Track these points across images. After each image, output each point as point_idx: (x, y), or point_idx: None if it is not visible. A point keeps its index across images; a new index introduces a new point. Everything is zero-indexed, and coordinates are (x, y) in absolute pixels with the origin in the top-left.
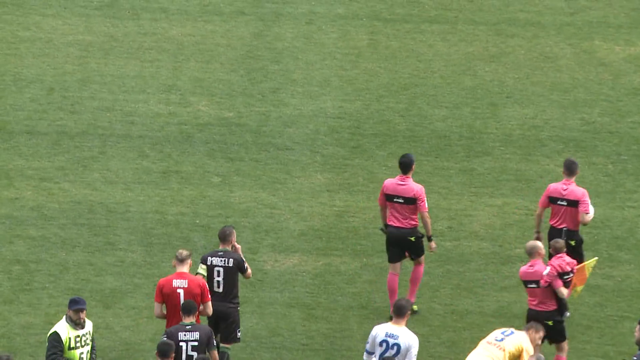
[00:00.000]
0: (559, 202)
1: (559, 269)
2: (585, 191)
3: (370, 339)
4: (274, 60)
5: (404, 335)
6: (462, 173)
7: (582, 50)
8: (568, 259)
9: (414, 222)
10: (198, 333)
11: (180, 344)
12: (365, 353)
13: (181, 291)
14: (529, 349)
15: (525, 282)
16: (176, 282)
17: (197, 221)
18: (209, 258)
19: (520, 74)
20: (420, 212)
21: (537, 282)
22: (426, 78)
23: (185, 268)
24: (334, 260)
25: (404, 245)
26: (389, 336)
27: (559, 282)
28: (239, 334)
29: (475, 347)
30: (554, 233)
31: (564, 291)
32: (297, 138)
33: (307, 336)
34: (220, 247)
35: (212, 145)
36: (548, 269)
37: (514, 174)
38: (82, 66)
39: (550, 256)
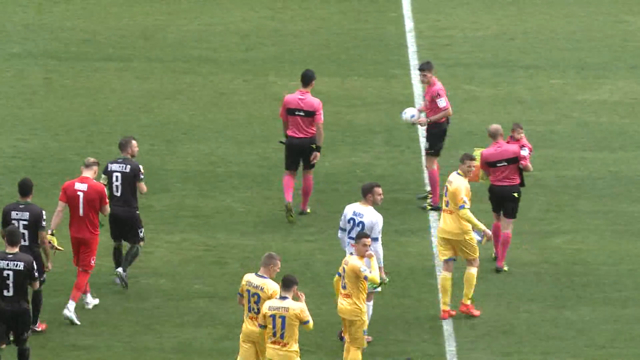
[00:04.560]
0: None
1: (529, 149)
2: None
3: (342, 217)
4: None
5: (369, 214)
6: (142, 210)
7: (257, 86)
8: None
9: (312, 132)
10: (28, 213)
11: (13, 221)
12: (339, 230)
13: (81, 194)
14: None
15: (494, 162)
16: (77, 185)
17: None
18: (109, 165)
19: (195, 111)
20: (317, 123)
21: (507, 160)
22: (102, 116)
23: (89, 173)
24: None
25: (302, 153)
26: (356, 214)
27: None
28: (141, 233)
29: None
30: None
31: (530, 167)
32: None
33: None
34: (121, 155)
35: None
36: (526, 149)
37: (192, 210)
38: None
39: None
